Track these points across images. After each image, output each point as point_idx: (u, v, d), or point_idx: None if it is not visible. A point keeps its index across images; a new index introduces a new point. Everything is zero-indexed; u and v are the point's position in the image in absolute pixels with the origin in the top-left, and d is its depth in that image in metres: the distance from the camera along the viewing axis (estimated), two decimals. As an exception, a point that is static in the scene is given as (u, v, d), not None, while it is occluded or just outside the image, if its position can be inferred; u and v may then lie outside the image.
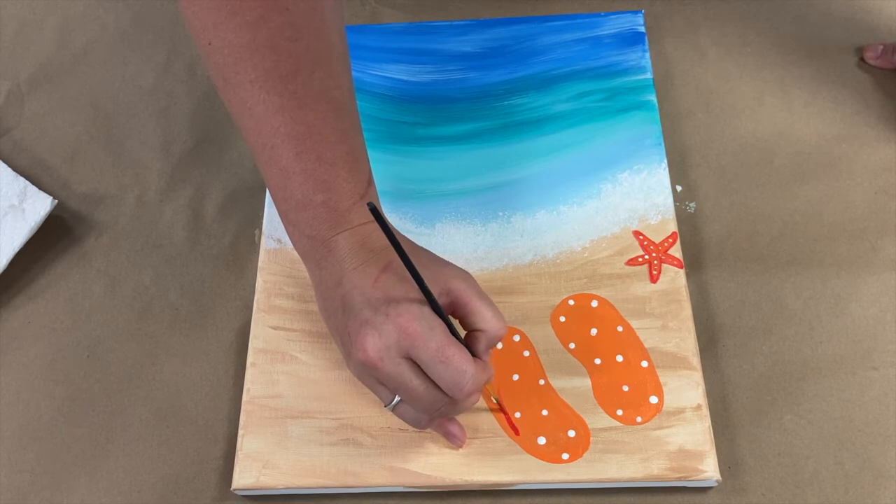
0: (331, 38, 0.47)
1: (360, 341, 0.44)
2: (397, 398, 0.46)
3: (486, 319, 0.46)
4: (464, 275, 0.47)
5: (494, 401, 0.53)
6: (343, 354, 0.48)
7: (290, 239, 0.49)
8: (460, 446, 0.52)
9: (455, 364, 0.43)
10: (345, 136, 0.47)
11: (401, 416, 0.48)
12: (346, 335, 0.46)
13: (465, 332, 0.47)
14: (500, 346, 0.55)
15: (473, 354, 0.46)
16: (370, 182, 0.49)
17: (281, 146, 0.46)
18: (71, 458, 0.55)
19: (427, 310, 0.44)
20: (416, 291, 0.44)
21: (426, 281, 0.44)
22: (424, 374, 0.44)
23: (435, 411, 0.46)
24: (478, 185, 0.62)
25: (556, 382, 0.54)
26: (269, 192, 0.49)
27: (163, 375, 0.58)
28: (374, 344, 0.43)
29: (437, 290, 0.45)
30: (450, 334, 0.44)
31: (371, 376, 0.46)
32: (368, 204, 0.40)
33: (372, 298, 0.44)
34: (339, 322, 0.46)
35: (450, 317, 0.46)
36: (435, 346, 0.43)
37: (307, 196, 0.46)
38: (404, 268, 0.43)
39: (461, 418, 0.52)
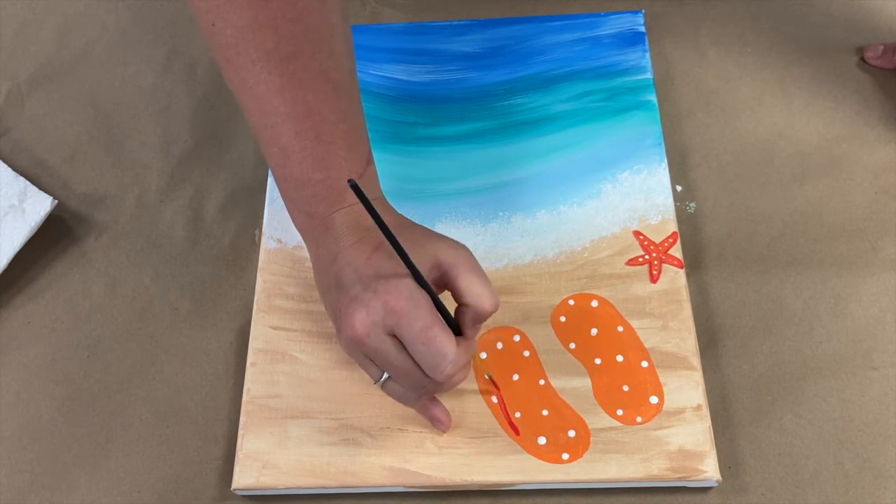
0: (332, 19, 0.47)
1: (348, 317, 0.44)
2: (385, 375, 0.47)
3: (471, 294, 0.46)
4: (457, 248, 0.47)
5: (487, 377, 0.53)
6: (336, 331, 0.48)
7: (290, 216, 0.50)
8: (445, 431, 0.52)
9: (436, 345, 0.43)
10: (344, 115, 0.48)
11: (389, 393, 0.49)
12: (338, 311, 0.46)
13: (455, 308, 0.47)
14: (500, 346, 0.55)
15: (460, 330, 0.46)
16: (369, 161, 0.49)
17: (281, 125, 0.46)
18: (71, 458, 0.55)
19: (416, 288, 0.44)
20: (406, 269, 0.44)
21: (416, 258, 0.44)
22: (408, 352, 0.44)
23: (420, 389, 0.47)
24: (478, 185, 0.62)
25: (557, 382, 0.54)
26: (271, 170, 0.50)
27: (163, 375, 0.58)
28: (362, 320, 0.44)
29: (427, 266, 0.45)
30: (437, 314, 0.44)
31: (359, 352, 0.46)
32: (350, 181, 0.41)
33: (363, 275, 0.45)
34: (332, 298, 0.47)
35: (441, 293, 0.46)
36: (419, 325, 0.43)
37: (306, 174, 0.47)
38: None
39: (450, 404, 0.52)
